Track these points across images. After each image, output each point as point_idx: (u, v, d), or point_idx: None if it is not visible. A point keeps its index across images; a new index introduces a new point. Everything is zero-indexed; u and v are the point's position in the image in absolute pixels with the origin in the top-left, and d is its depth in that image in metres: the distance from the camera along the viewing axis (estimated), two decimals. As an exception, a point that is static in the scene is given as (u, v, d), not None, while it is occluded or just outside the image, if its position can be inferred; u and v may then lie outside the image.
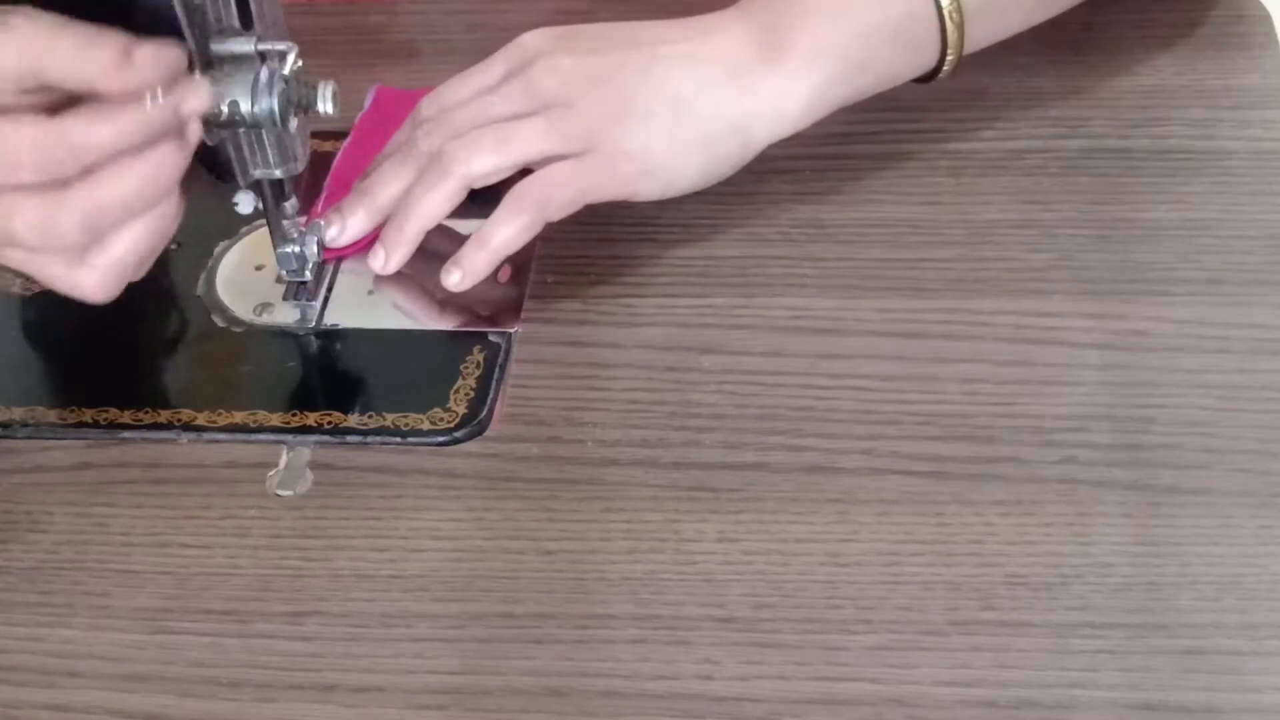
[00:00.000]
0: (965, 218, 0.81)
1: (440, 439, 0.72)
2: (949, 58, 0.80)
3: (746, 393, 0.73)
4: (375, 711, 0.63)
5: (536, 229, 0.77)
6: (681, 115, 0.77)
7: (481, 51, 0.82)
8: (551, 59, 0.78)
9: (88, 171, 0.62)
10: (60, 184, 0.62)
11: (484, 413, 0.73)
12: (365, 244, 0.79)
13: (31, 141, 0.61)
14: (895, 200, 0.81)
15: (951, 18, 0.79)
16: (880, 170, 0.83)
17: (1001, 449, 0.70)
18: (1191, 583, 0.65)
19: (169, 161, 0.64)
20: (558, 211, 0.77)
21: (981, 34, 0.81)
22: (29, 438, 0.74)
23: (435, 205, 0.77)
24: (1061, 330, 0.75)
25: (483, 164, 0.76)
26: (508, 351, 0.76)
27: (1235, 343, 0.74)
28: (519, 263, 0.79)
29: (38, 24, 0.61)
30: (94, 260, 0.65)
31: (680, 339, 0.76)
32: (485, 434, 0.73)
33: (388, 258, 0.78)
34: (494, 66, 0.80)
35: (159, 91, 0.62)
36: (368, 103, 0.86)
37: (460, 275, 0.76)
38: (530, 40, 0.79)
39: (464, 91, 0.80)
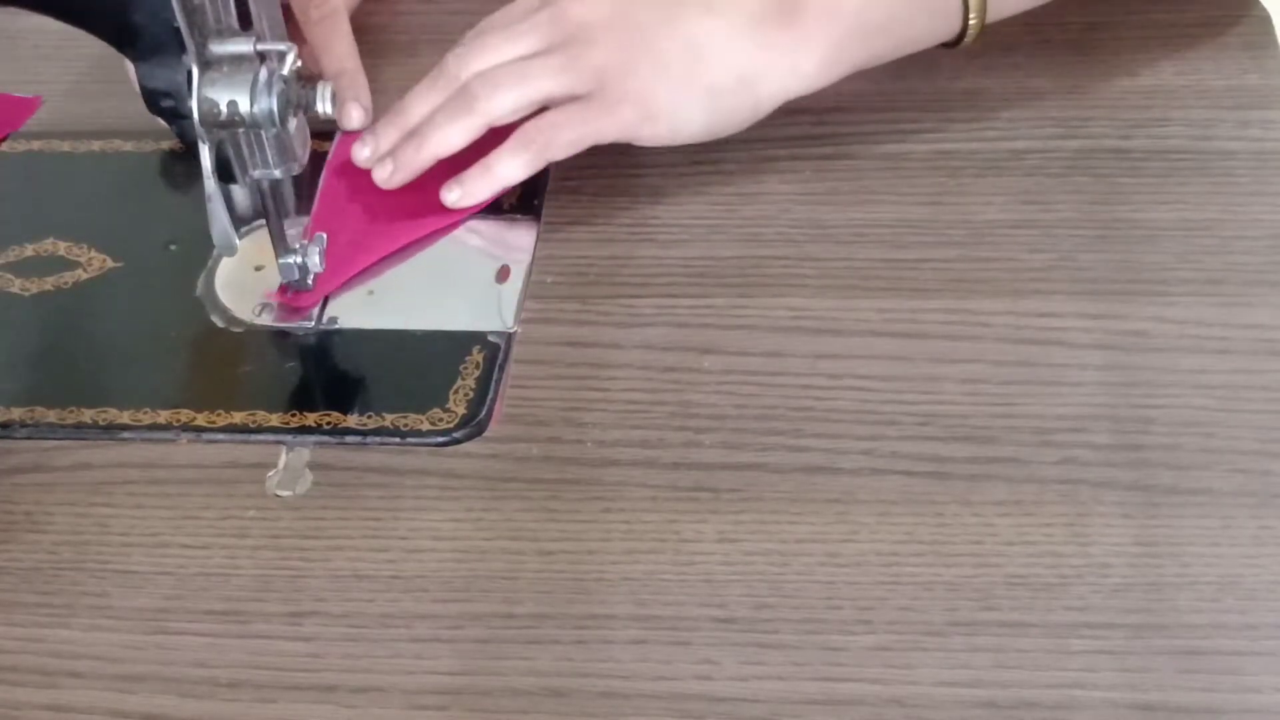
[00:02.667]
0: (965, 218, 0.81)
1: (439, 439, 0.72)
2: (972, 22, 0.81)
3: (746, 393, 0.73)
4: (374, 712, 0.63)
5: (538, 166, 0.80)
6: (693, 62, 0.79)
7: (481, 51, 0.82)
8: None
9: None
10: None
11: (483, 413, 0.73)
12: (353, 273, 0.79)
13: None
14: (895, 200, 0.81)
15: None
16: (880, 170, 0.83)
17: (1001, 449, 0.70)
18: (1191, 583, 0.65)
19: None
20: (561, 151, 0.80)
21: (1006, 2, 0.82)
22: (29, 438, 0.74)
23: (454, 136, 0.80)
24: (1061, 330, 0.75)
25: (502, 103, 0.80)
26: (507, 352, 0.76)
27: (1235, 343, 0.74)
28: (518, 261, 0.80)
29: None
30: None
31: (680, 339, 0.76)
32: (485, 434, 0.73)
33: (395, 171, 0.81)
34: (521, 3, 0.83)
35: None
36: (332, 152, 0.85)
37: (460, 193, 0.80)
38: None
39: (500, 19, 0.83)
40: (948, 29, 0.81)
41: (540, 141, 0.79)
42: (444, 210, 0.81)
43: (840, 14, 0.79)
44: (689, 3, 0.80)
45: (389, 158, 0.81)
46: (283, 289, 0.78)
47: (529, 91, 0.80)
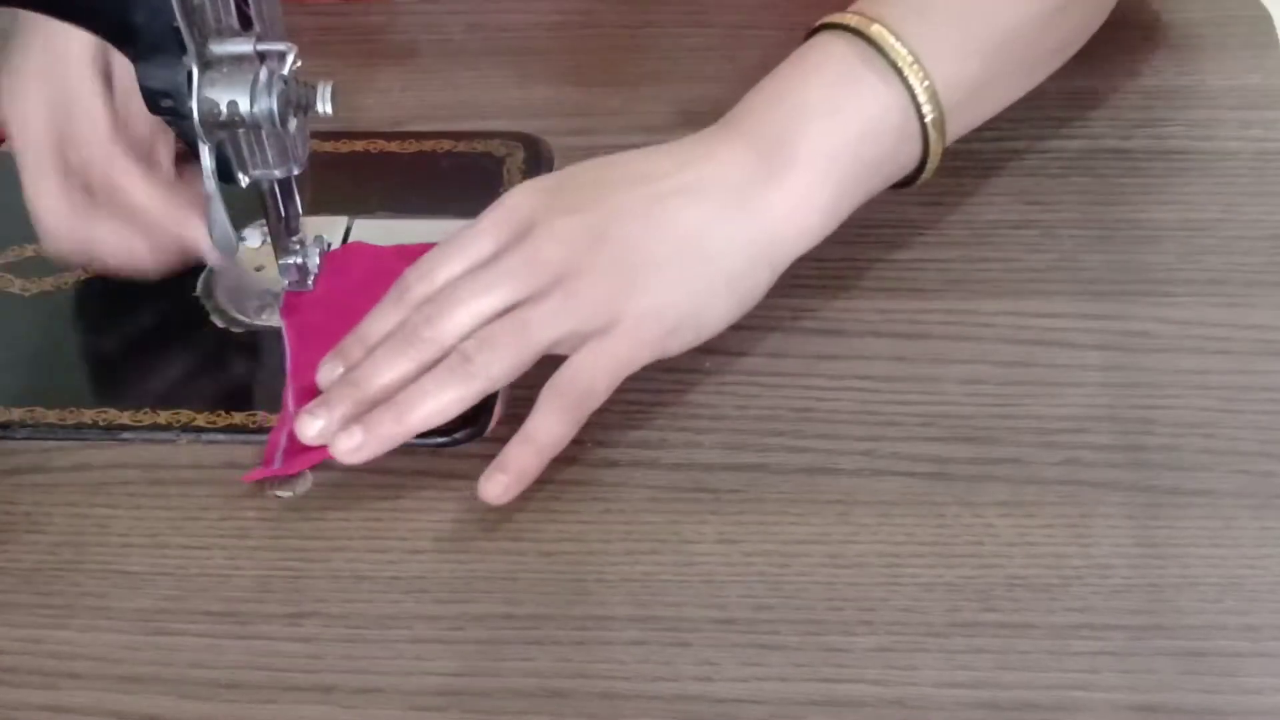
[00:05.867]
0: (965, 218, 0.80)
1: (440, 440, 0.72)
2: (932, 153, 0.76)
3: (747, 394, 0.73)
4: (374, 713, 0.63)
5: (582, 421, 0.71)
6: (696, 258, 0.72)
7: (481, 51, 0.81)
8: (549, 225, 0.72)
9: None
10: None
11: (483, 414, 0.73)
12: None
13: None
14: (895, 200, 0.81)
15: (934, 125, 0.75)
16: (881, 170, 0.83)
17: (1002, 450, 0.70)
18: (1192, 584, 0.65)
19: None
20: (600, 397, 0.71)
21: (963, 124, 0.78)
22: (29, 438, 0.74)
23: (448, 406, 0.70)
24: (1062, 331, 0.75)
25: (504, 366, 0.70)
26: (507, 352, 0.76)
27: (1236, 344, 0.74)
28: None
29: None
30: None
31: (680, 339, 0.76)
32: (485, 435, 0.73)
33: (366, 444, 0.69)
34: (483, 237, 0.73)
35: None
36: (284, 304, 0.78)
37: (508, 482, 0.69)
38: (520, 202, 0.73)
39: (456, 266, 0.73)
40: (920, 155, 0.76)
41: (577, 394, 0.70)
42: None
43: (835, 159, 0.73)
44: (666, 194, 0.72)
45: (357, 426, 0.69)
46: (264, 465, 0.71)
47: (532, 347, 0.70)
